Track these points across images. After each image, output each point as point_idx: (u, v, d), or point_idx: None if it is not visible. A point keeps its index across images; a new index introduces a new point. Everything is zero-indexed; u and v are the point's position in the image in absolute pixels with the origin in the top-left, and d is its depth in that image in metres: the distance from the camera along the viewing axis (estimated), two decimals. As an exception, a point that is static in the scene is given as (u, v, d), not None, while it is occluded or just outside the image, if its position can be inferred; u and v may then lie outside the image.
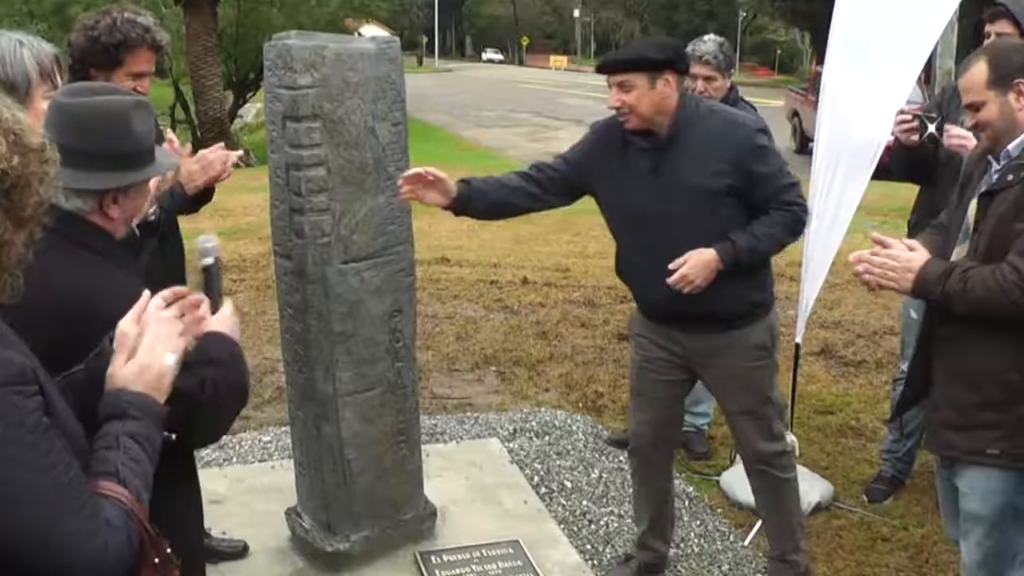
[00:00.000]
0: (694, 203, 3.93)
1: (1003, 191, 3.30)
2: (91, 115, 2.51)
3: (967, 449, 3.41)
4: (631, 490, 4.93)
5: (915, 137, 4.76)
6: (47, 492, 1.82)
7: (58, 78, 3.19)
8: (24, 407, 1.82)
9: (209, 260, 2.77)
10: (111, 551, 1.87)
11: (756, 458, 4.40)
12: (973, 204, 3.44)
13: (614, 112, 4.02)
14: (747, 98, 5.62)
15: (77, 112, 2.51)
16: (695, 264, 3.87)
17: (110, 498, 1.93)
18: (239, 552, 4.62)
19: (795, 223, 4.06)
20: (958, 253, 3.43)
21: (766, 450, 4.37)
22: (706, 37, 5.39)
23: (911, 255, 3.39)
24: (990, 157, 3.45)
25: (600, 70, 4.04)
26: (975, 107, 3.38)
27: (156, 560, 2.04)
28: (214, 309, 2.66)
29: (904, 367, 5.28)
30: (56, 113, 2.51)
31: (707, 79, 5.29)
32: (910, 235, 5.31)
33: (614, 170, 4.10)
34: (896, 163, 5.11)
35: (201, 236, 2.77)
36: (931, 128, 4.71)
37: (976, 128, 3.45)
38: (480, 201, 4.15)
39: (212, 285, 2.78)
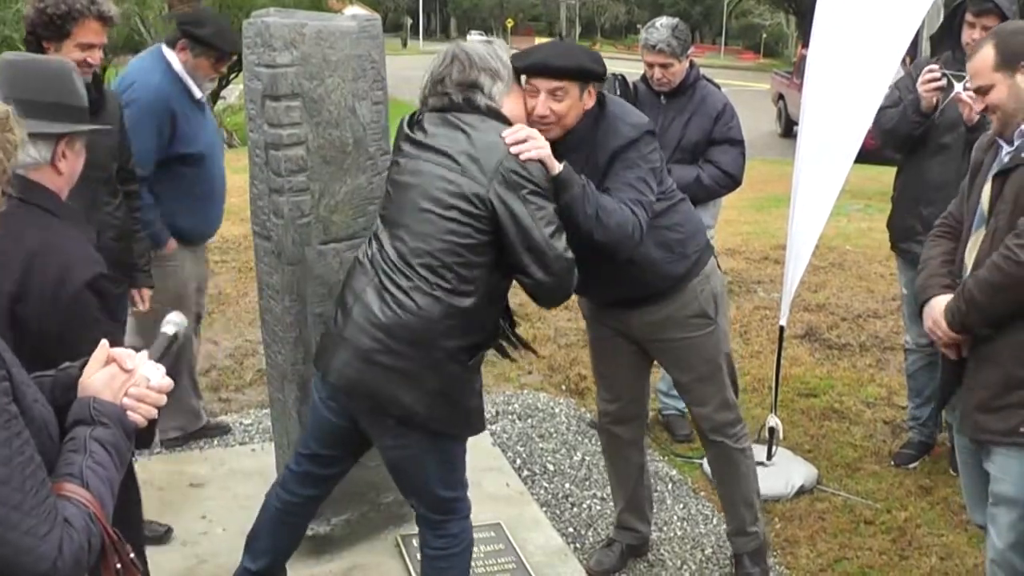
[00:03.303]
0: None
1: (1017, 168, 3.33)
2: (45, 70, 2.79)
3: (999, 430, 3.42)
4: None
5: (935, 99, 4.81)
6: (4, 484, 1.74)
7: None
8: None
9: (169, 329, 2.63)
10: (66, 553, 1.80)
11: (711, 428, 4.39)
12: (986, 188, 3.45)
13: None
14: (719, 80, 5.61)
15: (34, 69, 2.77)
16: (539, 138, 3.50)
17: (72, 500, 1.88)
18: (159, 537, 4.53)
19: (634, 228, 3.68)
20: (975, 240, 3.47)
21: (720, 419, 4.37)
22: (658, 23, 5.34)
23: (936, 312, 3.55)
24: (1000, 140, 3.49)
25: (537, 72, 3.71)
26: (983, 91, 3.45)
27: (119, 565, 2.00)
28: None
29: (909, 338, 5.35)
30: (13, 71, 2.75)
31: (663, 66, 5.26)
32: (894, 211, 5.37)
33: None
34: (888, 132, 5.13)
35: (172, 313, 2.69)
36: (958, 87, 4.74)
37: (986, 112, 3.49)
38: None
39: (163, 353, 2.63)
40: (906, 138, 5.12)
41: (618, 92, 5.22)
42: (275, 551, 3.93)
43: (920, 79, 4.92)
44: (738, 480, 4.51)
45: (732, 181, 5.41)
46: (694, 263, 4.14)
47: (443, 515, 3.68)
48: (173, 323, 2.65)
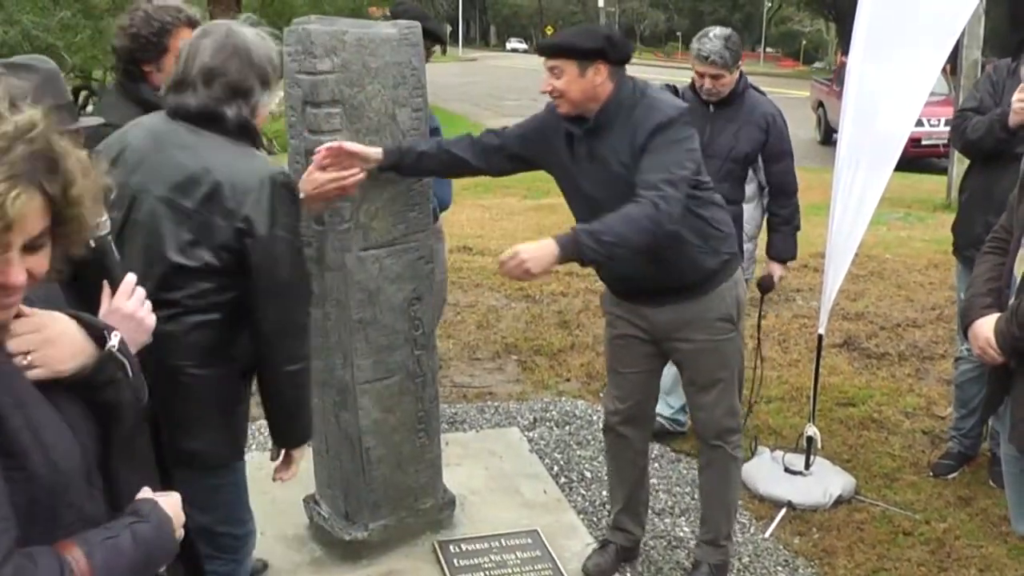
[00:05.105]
0: (622, 190, 3.82)
1: None
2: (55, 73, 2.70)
3: None
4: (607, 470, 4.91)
5: None
6: None
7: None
8: None
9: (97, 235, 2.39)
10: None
11: (714, 432, 4.38)
12: None
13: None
14: (762, 88, 5.63)
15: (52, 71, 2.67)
16: (531, 249, 3.67)
17: (63, 557, 1.78)
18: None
19: (650, 219, 3.67)
20: (1023, 254, 3.42)
21: (725, 424, 4.36)
22: (711, 34, 5.29)
23: (987, 330, 3.50)
24: None
25: (538, 53, 3.99)
26: None
27: None
28: (114, 288, 2.40)
29: (963, 347, 5.28)
30: (43, 76, 2.61)
31: (714, 77, 5.24)
32: (960, 216, 5.30)
33: (560, 152, 4.07)
34: (973, 144, 5.09)
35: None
36: None
37: None
38: (408, 157, 4.13)
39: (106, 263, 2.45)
40: (991, 151, 5.01)
41: None
42: None
43: (1016, 97, 4.78)
44: (725, 489, 4.50)
45: (793, 198, 5.67)
46: (725, 263, 4.15)
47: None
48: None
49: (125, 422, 2.06)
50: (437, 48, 5.74)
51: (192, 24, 3.94)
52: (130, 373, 2.05)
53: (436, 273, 5.72)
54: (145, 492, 2.05)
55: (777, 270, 5.71)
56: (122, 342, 2.05)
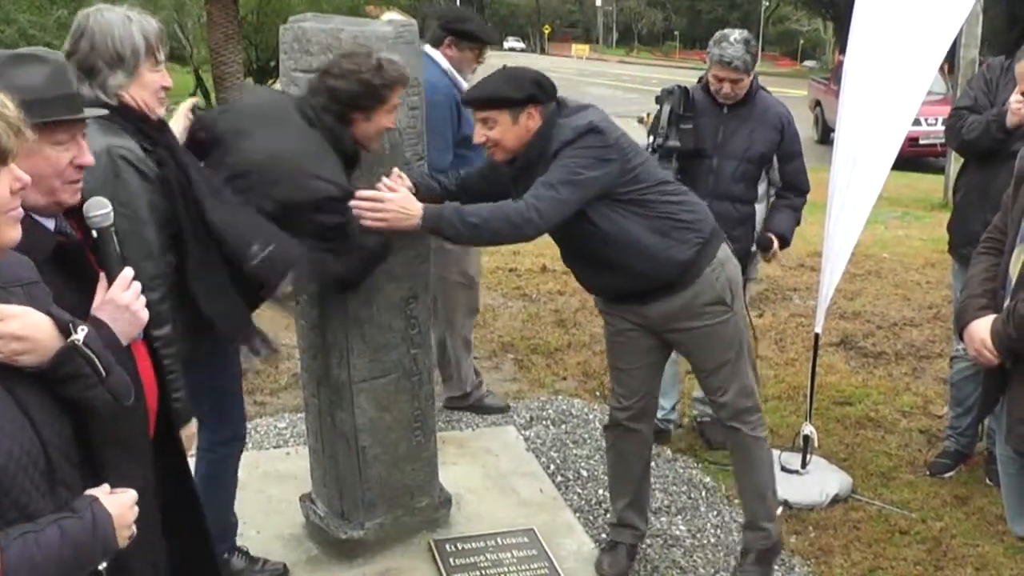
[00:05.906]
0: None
1: None
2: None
3: None
4: (607, 468, 4.90)
5: None
6: None
7: (161, 53, 3.34)
8: None
9: (100, 226, 2.49)
10: None
11: (729, 414, 4.38)
12: None
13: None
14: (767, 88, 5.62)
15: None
16: (398, 203, 3.83)
17: None
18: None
19: (517, 214, 3.82)
20: (1018, 252, 3.42)
21: (738, 405, 4.35)
22: (732, 38, 5.23)
23: (983, 331, 3.49)
24: None
25: (466, 104, 3.98)
26: None
27: None
28: (110, 280, 2.41)
29: (959, 346, 5.26)
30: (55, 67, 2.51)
31: (734, 82, 5.23)
32: (955, 214, 5.29)
33: (511, 188, 4.12)
34: (969, 144, 5.08)
35: (90, 200, 2.49)
36: None
37: None
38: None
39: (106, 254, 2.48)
40: (987, 151, 5.01)
41: (679, 103, 5.26)
42: None
43: (1015, 98, 4.73)
44: (751, 470, 4.50)
45: (805, 196, 5.67)
46: (700, 249, 4.14)
47: None
48: (98, 218, 2.45)
49: (102, 418, 2.06)
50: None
51: (405, 82, 3.93)
52: (102, 371, 2.03)
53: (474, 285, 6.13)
54: (98, 489, 2.05)
55: (774, 242, 5.59)
56: (92, 337, 2.04)
